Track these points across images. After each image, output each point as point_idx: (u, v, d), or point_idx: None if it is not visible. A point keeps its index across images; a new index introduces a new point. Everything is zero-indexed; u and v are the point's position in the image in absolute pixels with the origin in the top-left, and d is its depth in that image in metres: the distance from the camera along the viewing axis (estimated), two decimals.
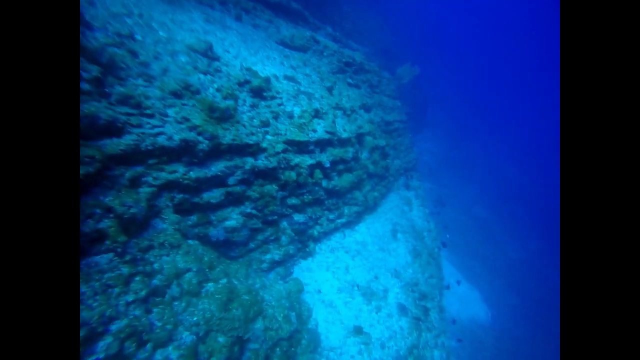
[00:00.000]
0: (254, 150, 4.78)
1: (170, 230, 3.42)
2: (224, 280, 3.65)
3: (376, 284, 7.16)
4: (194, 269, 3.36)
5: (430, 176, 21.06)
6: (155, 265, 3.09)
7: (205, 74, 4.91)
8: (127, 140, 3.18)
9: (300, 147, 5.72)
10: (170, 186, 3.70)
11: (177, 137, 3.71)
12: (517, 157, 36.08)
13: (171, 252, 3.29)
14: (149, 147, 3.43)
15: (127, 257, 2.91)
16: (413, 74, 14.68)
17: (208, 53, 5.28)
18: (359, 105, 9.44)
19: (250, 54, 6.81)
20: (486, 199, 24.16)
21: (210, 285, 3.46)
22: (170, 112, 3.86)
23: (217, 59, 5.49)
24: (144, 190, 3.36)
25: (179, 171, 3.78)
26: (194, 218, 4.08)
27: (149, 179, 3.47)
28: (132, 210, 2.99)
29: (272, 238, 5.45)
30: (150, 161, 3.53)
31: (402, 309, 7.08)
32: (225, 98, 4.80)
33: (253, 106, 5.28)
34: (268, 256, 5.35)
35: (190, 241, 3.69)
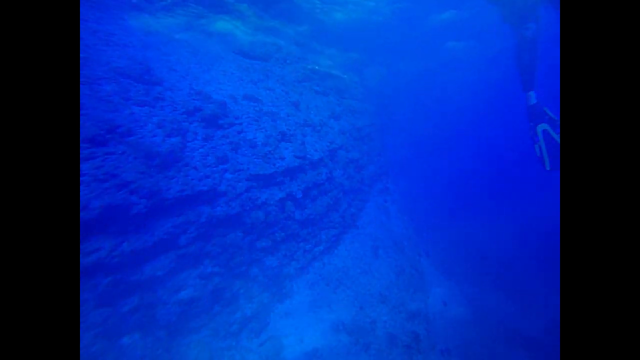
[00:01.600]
0: (210, 197, 3.91)
1: (88, 341, 2.51)
2: None
3: (362, 316, 6.57)
4: None
5: (402, 171, 21.05)
6: None
7: (141, 105, 3.94)
8: None
9: (267, 181, 4.92)
10: (90, 271, 2.76)
11: (96, 204, 2.77)
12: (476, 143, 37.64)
13: None
14: None
15: None
16: (381, 76, 14.27)
17: (145, 77, 4.29)
18: (328, 115, 8.77)
19: (202, 70, 5.83)
20: (445, 184, 24.62)
21: None
22: (86, 167, 2.90)
23: (159, 82, 4.50)
24: None
25: (103, 248, 2.84)
26: (133, 300, 3.16)
27: None
28: None
29: (241, 291, 4.62)
30: None
31: (392, 340, 6.58)
32: (169, 135, 3.87)
33: (206, 139, 4.38)
34: (238, 315, 4.52)
35: (125, 339, 2.79)
